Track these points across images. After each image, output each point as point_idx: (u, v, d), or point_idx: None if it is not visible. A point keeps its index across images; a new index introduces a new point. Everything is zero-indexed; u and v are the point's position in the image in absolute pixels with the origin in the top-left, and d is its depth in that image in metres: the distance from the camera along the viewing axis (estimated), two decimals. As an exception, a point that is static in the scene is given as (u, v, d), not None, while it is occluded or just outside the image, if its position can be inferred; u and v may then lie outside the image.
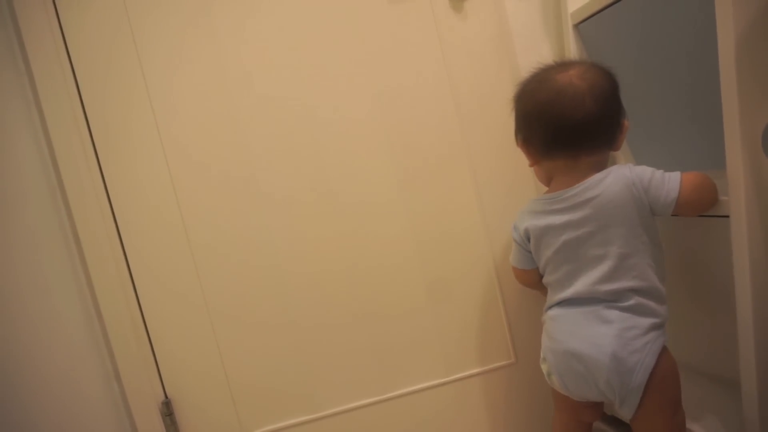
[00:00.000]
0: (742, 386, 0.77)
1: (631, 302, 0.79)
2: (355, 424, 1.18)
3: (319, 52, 1.13)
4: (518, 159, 1.12)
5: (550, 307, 0.90)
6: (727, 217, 0.76)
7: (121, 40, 1.09)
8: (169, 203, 1.12)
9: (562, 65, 0.86)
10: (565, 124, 0.82)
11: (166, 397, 1.14)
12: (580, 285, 0.83)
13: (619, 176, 0.81)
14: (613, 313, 0.80)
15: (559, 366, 0.85)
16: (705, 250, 0.82)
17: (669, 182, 0.80)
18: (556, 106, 0.82)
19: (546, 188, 0.94)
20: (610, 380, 0.78)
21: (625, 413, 0.82)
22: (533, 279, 0.98)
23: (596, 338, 0.80)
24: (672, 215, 0.81)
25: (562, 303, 0.87)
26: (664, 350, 0.81)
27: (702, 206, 0.81)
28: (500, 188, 1.17)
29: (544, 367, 0.90)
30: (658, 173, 0.81)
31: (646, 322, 0.79)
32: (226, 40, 1.11)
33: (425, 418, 1.19)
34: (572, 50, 1.11)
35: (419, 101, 1.15)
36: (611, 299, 0.80)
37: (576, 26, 1.11)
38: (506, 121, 1.12)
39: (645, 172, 0.81)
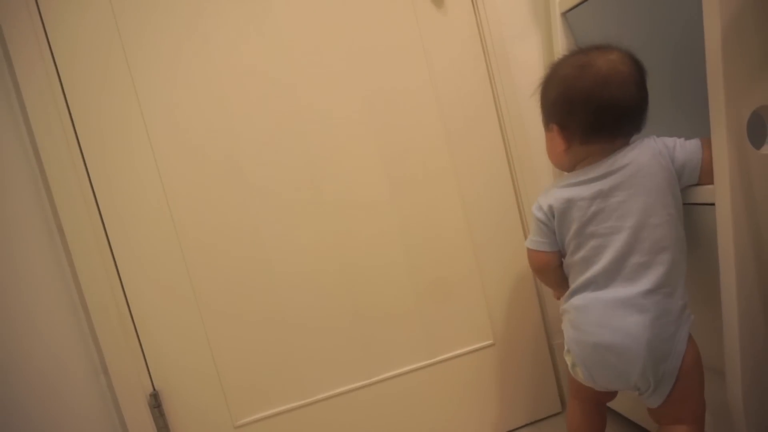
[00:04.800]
0: (727, 374, 0.78)
1: (662, 279, 0.78)
2: (342, 408, 1.19)
3: (306, 51, 1.14)
4: (499, 154, 1.23)
5: (573, 294, 0.86)
6: (713, 204, 0.76)
7: (106, 29, 1.08)
8: (155, 194, 1.11)
9: (597, 50, 0.83)
10: (612, 109, 0.81)
11: (154, 389, 1.13)
12: (609, 259, 0.80)
13: (647, 146, 0.82)
14: (645, 301, 0.78)
15: (587, 358, 0.82)
16: (690, 237, 0.83)
17: (692, 145, 0.81)
18: (605, 92, 0.80)
19: (564, 174, 0.93)
20: (645, 370, 0.77)
21: (654, 401, 0.80)
22: (553, 263, 0.92)
23: (630, 328, 0.77)
24: (697, 184, 0.81)
25: (588, 286, 0.83)
26: (689, 335, 0.80)
27: None
28: (481, 183, 1.22)
29: (567, 359, 0.87)
30: (680, 140, 0.82)
31: (677, 305, 0.79)
32: (216, 37, 1.11)
33: (410, 400, 1.22)
34: (560, 38, 1.11)
35: (403, 97, 1.18)
36: (642, 275, 0.78)
37: (564, 14, 1.11)
38: (486, 114, 1.21)
39: (668, 140, 0.82)
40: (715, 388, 0.82)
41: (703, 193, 0.80)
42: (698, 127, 0.80)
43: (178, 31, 1.10)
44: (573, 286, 0.86)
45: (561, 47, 1.11)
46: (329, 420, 1.19)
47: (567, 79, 0.84)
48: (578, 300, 0.84)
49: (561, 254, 0.91)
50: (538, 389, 1.27)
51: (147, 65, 1.09)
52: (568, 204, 0.85)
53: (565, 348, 0.87)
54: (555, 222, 0.88)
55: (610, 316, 0.80)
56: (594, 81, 0.80)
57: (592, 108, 0.81)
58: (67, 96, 1.08)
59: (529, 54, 1.21)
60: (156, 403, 1.13)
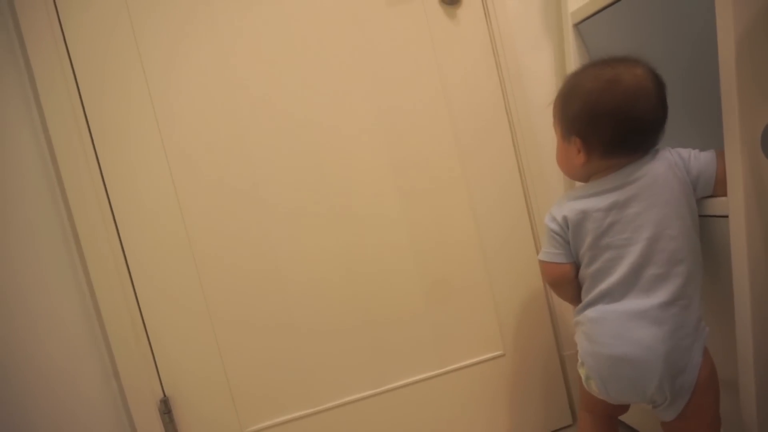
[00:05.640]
0: (740, 387, 0.77)
1: (679, 291, 0.77)
2: (352, 417, 1.19)
3: (319, 64, 1.15)
4: (511, 165, 1.22)
5: (587, 306, 0.85)
6: (726, 216, 0.76)
7: (123, 45, 1.10)
8: (169, 202, 1.12)
9: (622, 64, 0.82)
10: (639, 126, 0.81)
11: (165, 395, 1.14)
12: (625, 271, 0.79)
13: (662, 157, 0.82)
14: (662, 314, 0.77)
15: (602, 371, 0.81)
16: (704, 249, 0.82)
17: (707, 156, 0.81)
18: (633, 108, 0.79)
19: (577, 184, 0.93)
20: (662, 383, 0.76)
21: (669, 414, 0.79)
22: (568, 275, 0.90)
23: (647, 341, 0.76)
24: (712, 196, 0.81)
25: (603, 298, 0.82)
26: (705, 348, 0.80)
27: None
28: (492, 194, 1.22)
29: (581, 372, 0.85)
30: (695, 151, 0.82)
31: (693, 318, 0.78)
32: (227, 46, 1.13)
33: (419, 409, 1.21)
34: (572, 50, 1.11)
35: (415, 108, 1.18)
36: (658, 287, 0.78)
37: (576, 26, 1.11)
38: (498, 126, 1.21)
39: (683, 151, 0.82)
40: (729, 401, 0.81)
41: (716, 205, 0.80)
42: (711, 139, 0.80)
43: (195, 42, 1.12)
44: (587, 298, 0.85)
45: (573, 59, 1.11)
46: (338, 428, 1.19)
47: (593, 93, 0.82)
48: (593, 312, 0.83)
49: (576, 265, 0.89)
50: (549, 401, 1.26)
51: (163, 81, 1.11)
52: (583, 215, 0.84)
53: (579, 360, 0.86)
54: (569, 233, 0.87)
55: (626, 328, 0.79)
56: (623, 97, 0.80)
57: (620, 124, 0.80)
58: (85, 107, 1.10)
59: (541, 65, 1.22)
60: (166, 409, 1.13)
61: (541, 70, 1.22)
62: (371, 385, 1.20)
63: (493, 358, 1.23)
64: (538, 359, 1.25)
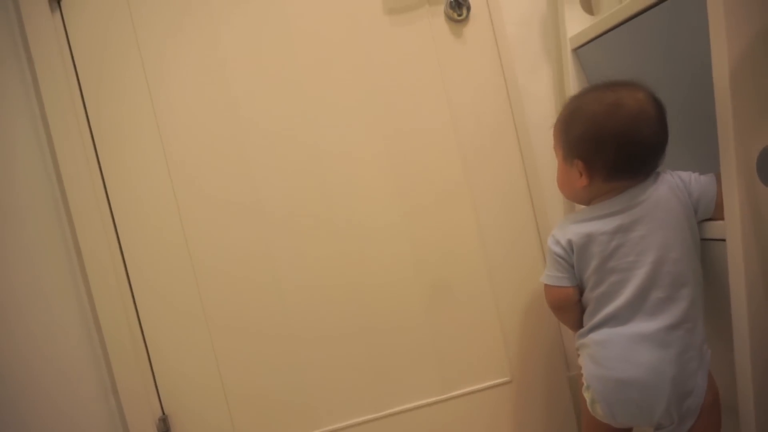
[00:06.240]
0: (740, 412, 0.77)
1: (684, 314, 0.78)
2: (352, 442, 1.17)
3: (322, 80, 1.15)
4: (516, 183, 1.19)
5: (592, 329, 0.85)
6: (724, 240, 0.77)
7: (125, 53, 1.12)
8: (170, 217, 1.13)
9: (624, 88, 0.82)
10: (642, 150, 0.81)
11: (164, 413, 1.14)
12: (631, 294, 0.80)
13: (664, 180, 0.83)
14: (668, 337, 0.77)
15: (609, 395, 0.80)
16: (702, 273, 0.83)
17: (707, 179, 0.82)
18: (636, 133, 0.80)
19: (580, 207, 0.93)
20: (669, 406, 0.76)
21: None
22: (571, 298, 0.89)
23: (655, 364, 0.77)
24: (711, 219, 0.82)
25: (608, 321, 0.82)
26: (709, 371, 0.80)
27: None
28: (498, 210, 1.19)
29: (586, 395, 0.85)
30: (695, 174, 0.83)
31: (698, 340, 0.79)
32: (229, 56, 1.13)
33: None
34: (571, 74, 1.13)
35: (420, 123, 1.17)
36: (664, 310, 0.78)
37: (575, 50, 1.13)
38: (506, 146, 1.19)
39: (683, 174, 0.83)
40: (729, 426, 0.81)
41: (713, 229, 0.81)
42: (708, 163, 0.81)
43: (196, 49, 1.13)
44: (592, 321, 0.85)
45: (572, 83, 1.13)
46: (337, 452, 1.16)
47: (596, 117, 0.83)
48: (599, 335, 0.83)
49: (580, 289, 0.89)
50: (557, 428, 1.21)
51: (166, 90, 1.13)
52: (588, 239, 0.84)
53: (585, 384, 0.85)
54: (574, 257, 0.87)
55: (633, 351, 0.79)
56: (625, 122, 0.80)
57: (622, 147, 0.81)
58: (90, 118, 1.12)
59: (540, 88, 1.23)
60: (165, 427, 1.13)
61: (541, 93, 1.23)
62: (372, 409, 1.18)
63: (499, 384, 1.20)
64: (545, 386, 1.21)
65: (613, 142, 0.81)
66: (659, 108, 0.82)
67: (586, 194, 0.89)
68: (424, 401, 1.18)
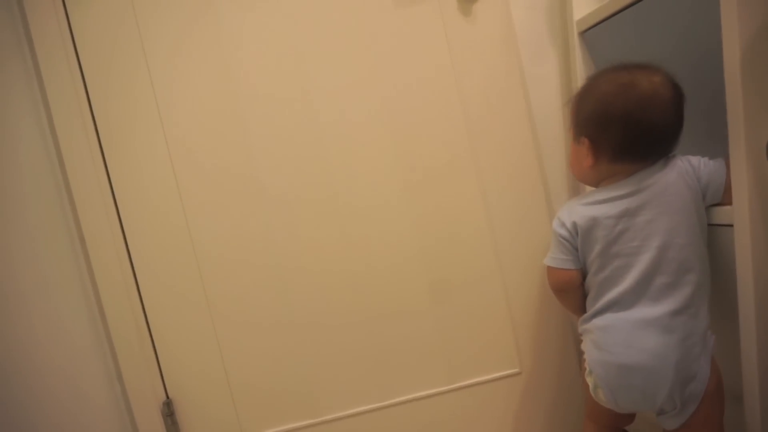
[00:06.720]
0: (745, 400, 0.77)
1: (688, 300, 0.77)
2: (355, 430, 1.17)
3: (326, 55, 1.12)
4: (526, 162, 1.14)
5: (595, 314, 0.84)
6: (731, 225, 0.76)
7: (128, 46, 1.11)
8: (173, 205, 1.12)
9: (641, 70, 0.81)
10: (649, 133, 0.80)
11: (168, 397, 1.14)
12: (635, 279, 0.79)
13: (673, 165, 0.81)
14: (672, 322, 0.77)
15: (612, 380, 0.80)
16: (709, 258, 0.82)
17: (716, 164, 0.80)
18: (644, 114, 0.79)
19: (589, 188, 0.92)
20: (672, 391, 0.76)
21: (675, 422, 0.79)
22: (574, 281, 0.89)
23: (658, 349, 0.76)
24: (719, 204, 0.81)
25: (611, 306, 0.82)
26: (712, 357, 0.80)
27: None
28: (507, 192, 1.15)
29: (589, 380, 0.85)
30: (705, 159, 0.82)
31: (701, 326, 0.78)
32: (231, 43, 1.11)
33: (426, 427, 1.17)
34: (578, 57, 1.12)
35: (426, 103, 1.13)
36: (668, 295, 0.78)
37: (581, 34, 1.11)
38: (514, 124, 1.14)
39: (693, 159, 0.82)
40: (733, 413, 0.81)
41: (721, 214, 0.80)
42: (717, 148, 0.80)
43: (197, 44, 1.12)
44: (596, 306, 0.85)
45: (579, 66, 1.12)
46: (341, 442, 1.16)
47: (607, 96, 0.82)
48: (602, 320, 0.83)
49: (583, 272, 0.89)
50: (568, 422, 1.17)
51: (167, 78, 1.11)
52: (594, 222, 0.84)
53: (587, 369, 0.85)
54: (578, 240, 0.86)
55: (636, 337, 0.79)
56: (635, 102, 0.79)
57: (629, 129, 0.80)
58: (93, 108, 1.11)
59: (546, 72, 1.21)
60: (169, 411, 1.13)
61: (547, 77, 1.21)
62: (376, 398, 1.16)
63: (508, 376, 1.16)
64: (556, 377, 1.17)
65: (620, 122, 0.80)
66: (677, 93, 0.80)
67: (594, 175, 0.88)
68: (429, 391, 1.16)
